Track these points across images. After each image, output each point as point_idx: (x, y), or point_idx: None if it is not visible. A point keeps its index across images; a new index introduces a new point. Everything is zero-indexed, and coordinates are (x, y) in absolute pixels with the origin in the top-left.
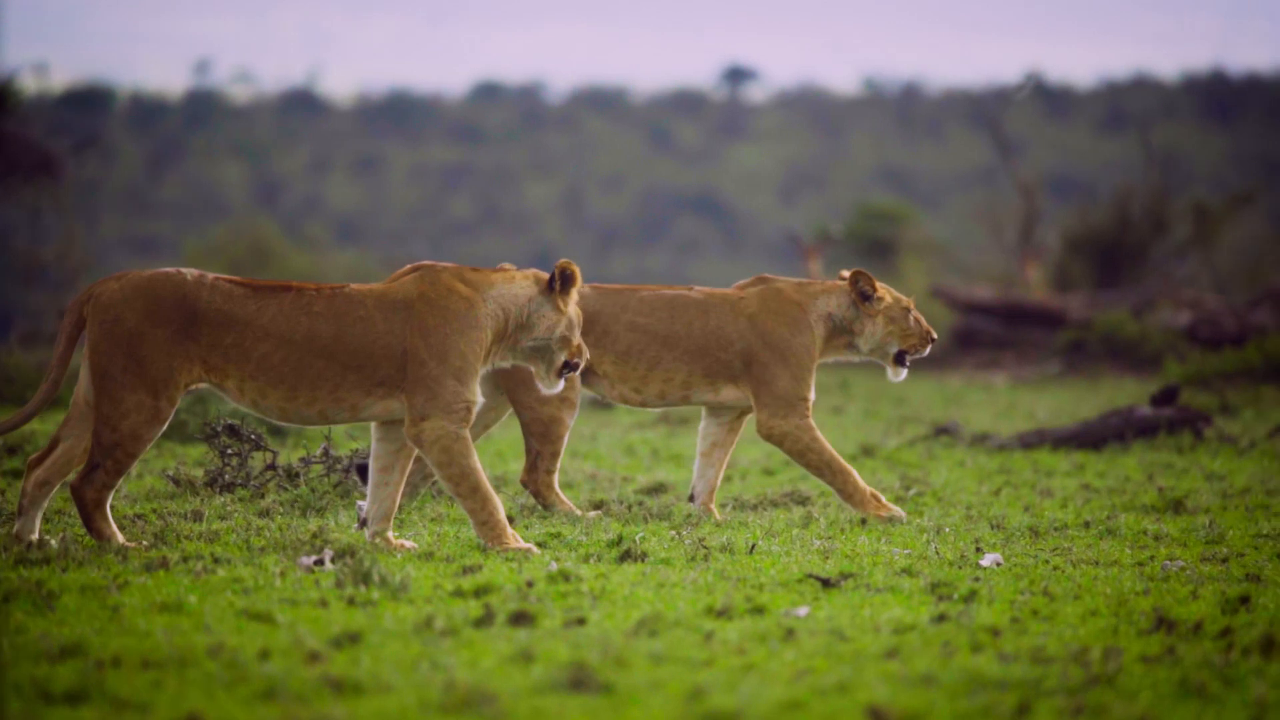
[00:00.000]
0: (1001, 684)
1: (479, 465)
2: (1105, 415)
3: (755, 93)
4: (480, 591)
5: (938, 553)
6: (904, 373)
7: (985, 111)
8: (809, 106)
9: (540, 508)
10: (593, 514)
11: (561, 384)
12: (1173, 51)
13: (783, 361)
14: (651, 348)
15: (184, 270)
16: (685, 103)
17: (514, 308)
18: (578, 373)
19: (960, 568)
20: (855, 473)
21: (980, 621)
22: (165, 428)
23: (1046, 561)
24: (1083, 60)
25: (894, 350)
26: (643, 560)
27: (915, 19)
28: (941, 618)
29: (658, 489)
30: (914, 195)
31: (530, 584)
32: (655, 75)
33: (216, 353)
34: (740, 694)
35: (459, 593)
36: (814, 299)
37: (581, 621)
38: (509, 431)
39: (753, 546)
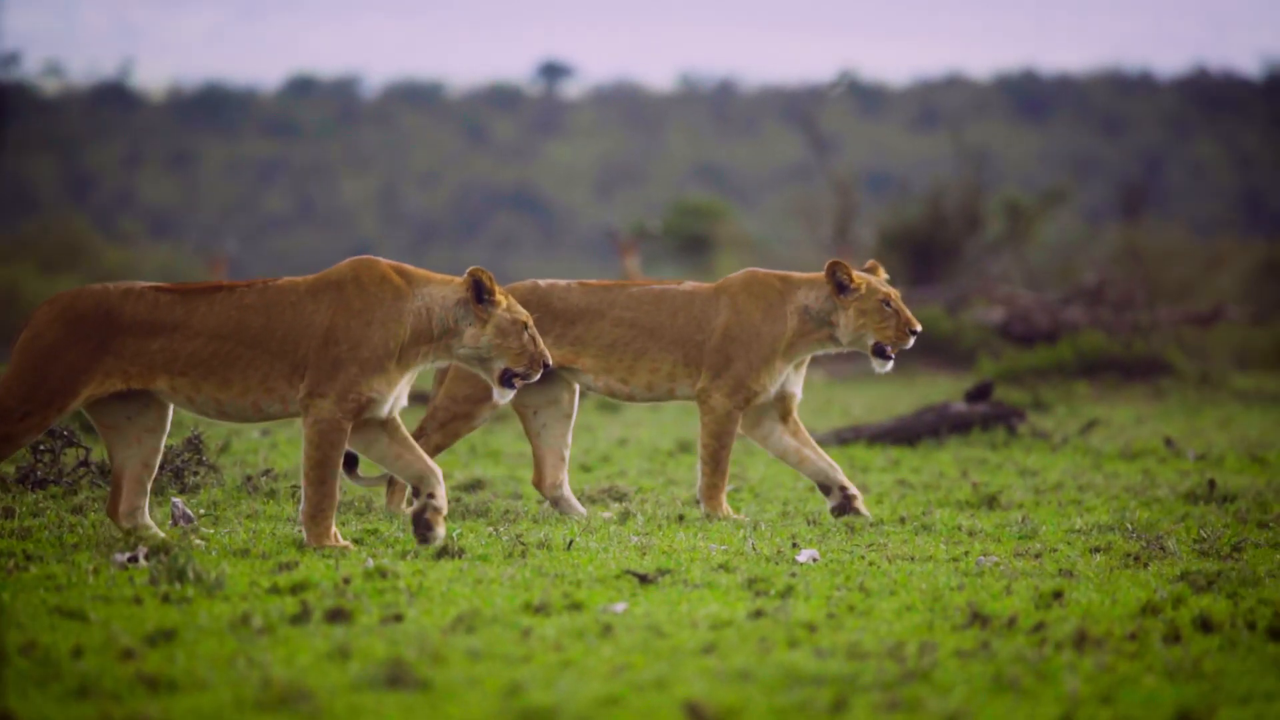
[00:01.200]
0: (818, 679)
1: (340, 461)
2: (920, 411)
3: (571, 89)
4: (297, 588)
5: (755, 549)
6: (888, 365)
7: (800, 108)
8: (625, 103)
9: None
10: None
11: (510, 394)
12: (985, 51)
13: (746, 345)
14: (638, 339)
15: (110, 284)
16: (502, 98)
17: (439, 310)
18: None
19: (777, 563)
20: (726, 481)
21: (797, 617)
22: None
23: (862, 557)
24: (896, 58)
25: (871, 342)
26: (460, 557)
27: (731, 16)
28: (758, 613)
29: (475, 485)
30: (730, 191)
31: (347, 581)
32: (471, 70)
33: (141, 360)
34: (558, 690)
35: (275, 589)
36: (795, 289)
37: (398, 618)
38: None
39: (570, 543)
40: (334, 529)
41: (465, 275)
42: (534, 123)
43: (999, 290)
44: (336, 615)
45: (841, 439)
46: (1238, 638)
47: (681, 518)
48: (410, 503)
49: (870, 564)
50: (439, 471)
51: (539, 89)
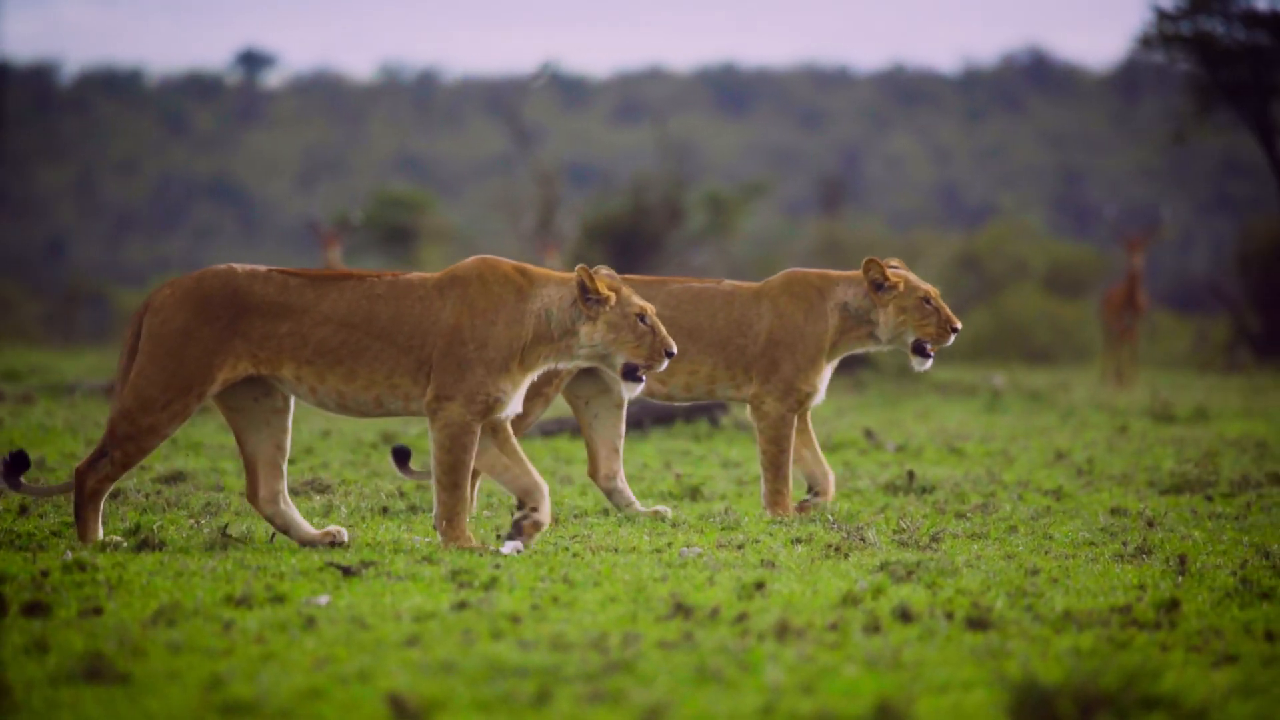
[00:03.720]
0: (521, 671)
1: (470, 464)
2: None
3: (272, 78)
4: None
5: None
6: (927, 363)
7: (503, 100)
8: (327, 93)
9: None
10: (664, 509)
11: (638, 388)
12: (685, 44)
13: (791, 347)
14: (677, 340)
15: (235, 266)
16: (201, 87)
17: (556, 311)
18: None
19: (481, 555)
20: (790, 484)
21: (501, 609)
22: (178, 429)
23: (566, 548)
24: (598, 50)
25: (911, 340)
26: (161, 549)
27: (432, 7)
28: (462, 605)
29: (176, 478)
30: (433, 183)
31: (45, 574)
32: (170, 58)
33: (270, 344)
34: (260, 683)
35: None
36: (833, 287)
37: (98, 611)
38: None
39: (273, 535)
40: (467, 532)
41: (574, 273)
42: (234, 112)
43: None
44: (34, 609)
45: (545, 431)
46: (936, 627)
47: (385, 510)
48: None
49: (574, 555)
50: (545, 487)
51: (238, 78)
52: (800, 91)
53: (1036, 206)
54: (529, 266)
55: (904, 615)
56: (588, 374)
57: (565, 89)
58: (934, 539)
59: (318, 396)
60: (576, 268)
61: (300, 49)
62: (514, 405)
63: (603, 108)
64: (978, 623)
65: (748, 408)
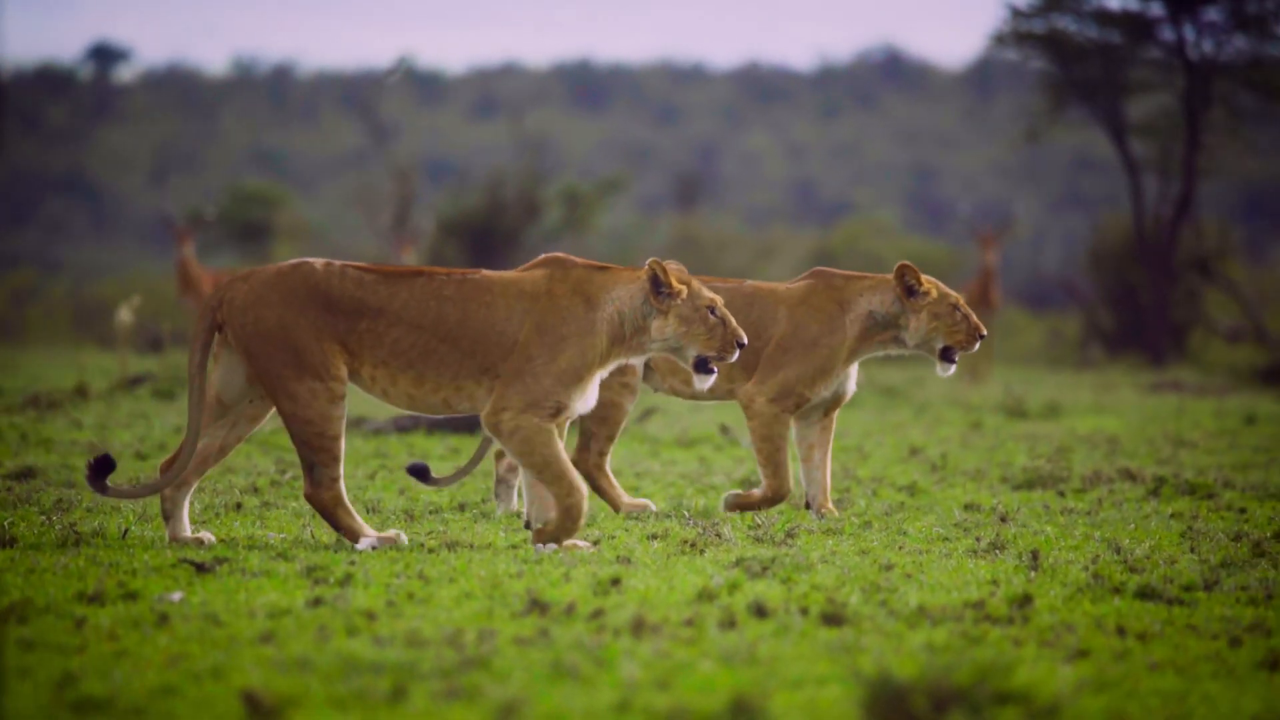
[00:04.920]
0: (377, 667)
1: (563, 453)
2: None
3: (124, 73)
4: None
5: (314, 536)
6: (952, 368)
7: (358, 95)
8: (179, 87)
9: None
10: (646, 502)
11: (709, 380)
12: (541, 39)
13: (803, 356)
14: None
15: (311, 259)
16: (51, 81)
17: (629, 311)
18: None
19: (336, 551)
20: (789, 476)
21: (356, 605)
22: (347, 409)
23: (422, 545)
24: (454, 45)
25: (940, 345)
26: (12, 546)
27: (286, 0)
28: (317, 601)
29: (26, 473)
30: (288, 178)
31: None
32: (20, 51)
33: (351, 341)
34: (113, 680)
35: None
36: (858, 296)
37: None
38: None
39: (125, 531)
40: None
41: (644, 269)
42: (86, 107)
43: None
44: None
45: (400, 426)
46: (791, 623)
47: (239, 506)
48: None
49: (430, 551)
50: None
51: (90, 72)
52: (656, 88)
53: (891, 203)
54: (598, 267)
55: (759, 611)
56: None
57: (421, 84)
58: (789, 535)
59: (390, 397)
60: (648, 262)
61: (153, 43)
62: (581, 407)
63: (459, 103)
64: (832, 618)
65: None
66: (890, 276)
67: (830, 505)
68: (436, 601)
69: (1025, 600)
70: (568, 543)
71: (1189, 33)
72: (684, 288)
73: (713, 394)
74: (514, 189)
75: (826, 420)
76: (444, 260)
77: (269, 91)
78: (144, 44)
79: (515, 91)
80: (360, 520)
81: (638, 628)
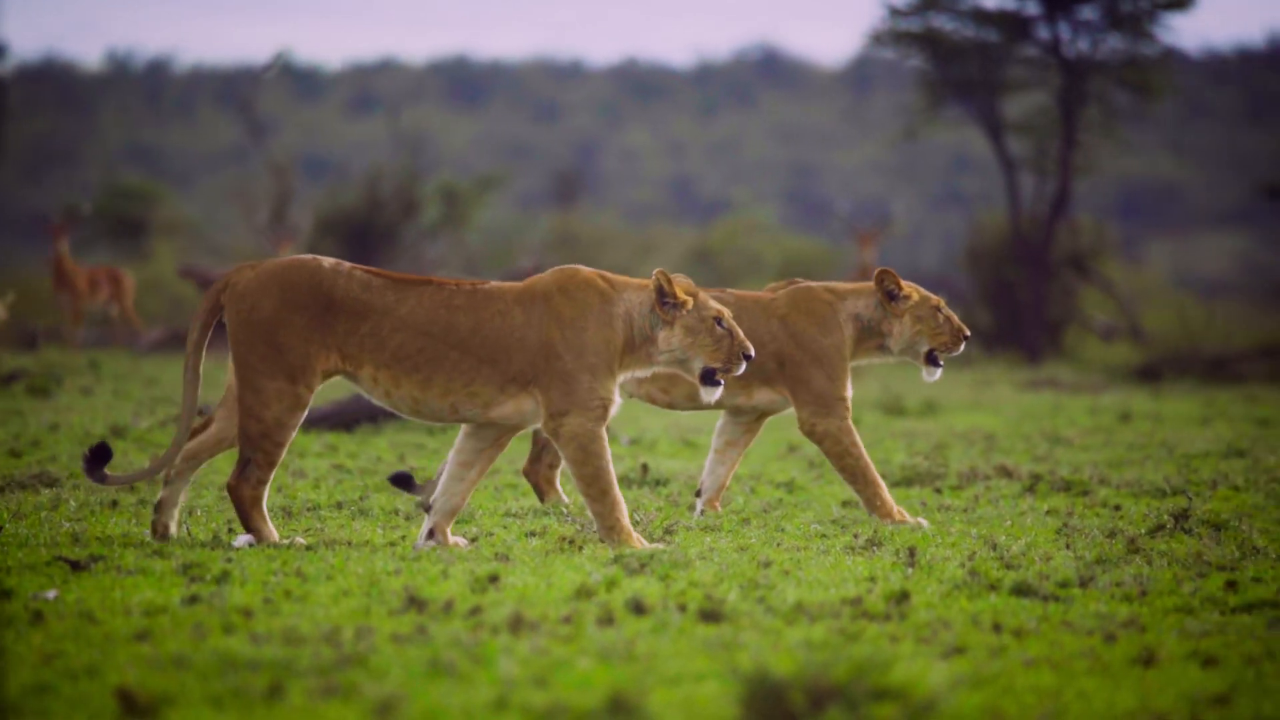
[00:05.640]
0: (253, 665)
1: (612, 467)
2: (357, 395)
3: None
4: None
5: (190, 534)
6: (938, 372)
7: (236, 91)
8: (54, 83)
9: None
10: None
11: (716, 392)
12: (419, 35)
13: (815, 361)
14: None
15: (320, 257)
16: None
17: (637, 317)
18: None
19: (213, 549)
20: (884, 486)
21: (233, 602)
22: (305, 416)
23: (299, 542)
24: (331, 41)
25: (924, 349)
26: None
27: None
28: (194, 599)
29: None
30: (165, 174)
31: None
32: None
33: (352, 340)
34: None
35: None
36: (843, 299)
37: None
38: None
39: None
40: (635, 533)
41: (652, 279)
42: None
43: (438, 275)
44: None
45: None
46: (669, 620)
47: (115, 504)
48: (427, 508)
49: (307, 549)
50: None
51: None
52: (535, 84)
53: (770, 201)
54: (609, 274)
55: (637, 608)
56: None
57: (298, 80)
58: (668, 531)
59: (392, 400)
60: (655, 272)
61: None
62: (618, 401)
63: (336, 100)
64: (710, 615)
65: (801, 432)
66: (871, 284)
67: (718, 506)
68: (314, 599)
69: (902, 597)
70: (642, 549)
71: (1065, 31)
72: (690, 299)
73: (695, 404)
74: (392, 186)
75: (755, 424)
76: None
77: (145, 87)
78: (18, 38)
79: (393, 88)
80: (271, 526)
81: (516, 625)
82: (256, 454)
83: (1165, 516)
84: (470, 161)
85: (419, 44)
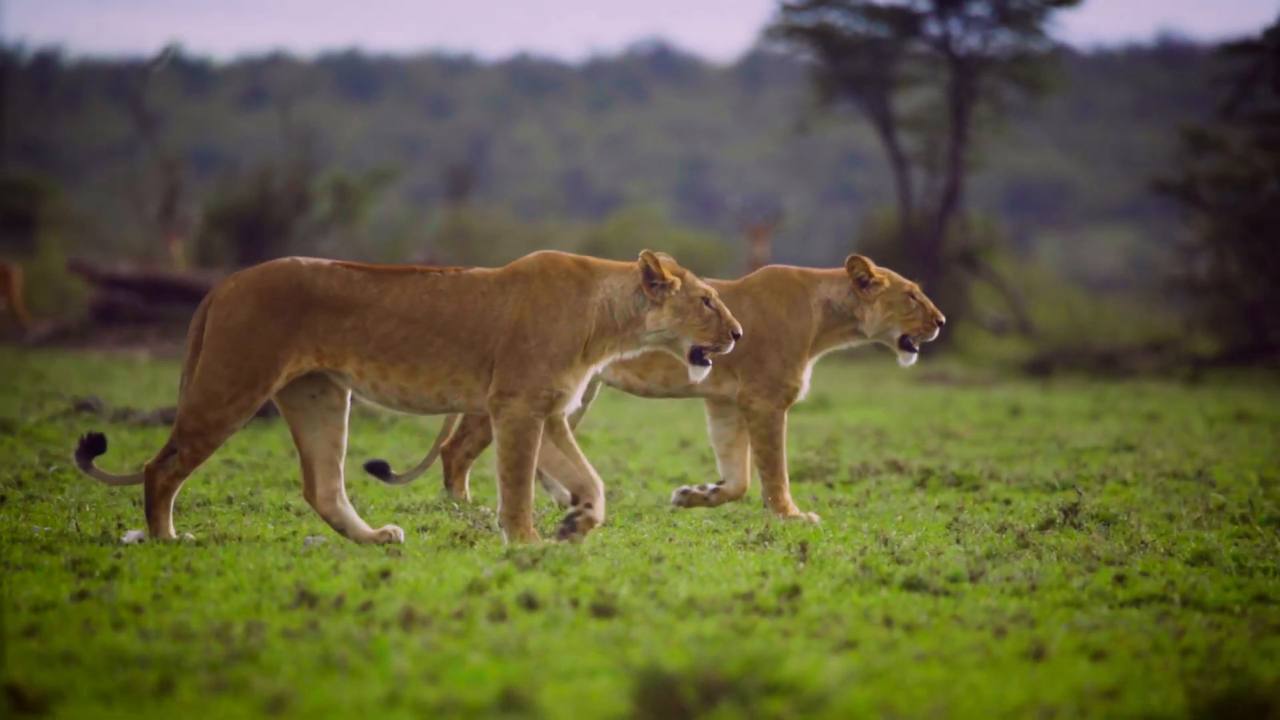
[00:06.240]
0: (143, 661)
1: (535, 460)
2: None
3: None
4: None
5: (79, 529)
6: (913, 358)
7: (125, 84)
8: None
9: None
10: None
11: (704, 372)
12: (309, 29)
13: (776, 343)
14: None
15: (299, 258)
16: None
17: (620, 301)
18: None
19: (102, 544)
20: (788, 483)
21: (122, 598)
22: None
23: (189, 537)
24: (221, 34)
25: (897, 335)
26: None
27: None
28: (83, 595)
29: None
30: (53, 168)
31: None
32: None
33: (333, 338)
34: None
35: None
36: (815, 284)
37: None
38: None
39: None
40: (531, 526)
41: (638, 260)
42: None
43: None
44: None
45: (167, 419)
46: (561, 615)
47: (3, 499)
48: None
49: (197, 544)
50: (600, 484)
51: None
52: (426, 79)
53: (662, 195)
54: (590, 259)
55: (529, 603)
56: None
57: (188, 74)
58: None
59: (380, 393)
60: (641, 254)
61: None
62: (576, 399)
63: (226, 93)
64: (603, 610)
65: (736, 406)
66: (843, 270)
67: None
68: (204, 594)
69: (794, 591)
70: (535, 545)
71: (955, 27)
72: (678, 279)
73: (670, 390)
74: (283, 180)
75: (739, 420)
76: (212, 253)
77: (32, 80)
78: None
79: (284, 81)
80: (170, 524)
81: (407, 620)
82: (185, 448)
83: (1055, 511)
84: (361, 156)
85: (309, 37)
